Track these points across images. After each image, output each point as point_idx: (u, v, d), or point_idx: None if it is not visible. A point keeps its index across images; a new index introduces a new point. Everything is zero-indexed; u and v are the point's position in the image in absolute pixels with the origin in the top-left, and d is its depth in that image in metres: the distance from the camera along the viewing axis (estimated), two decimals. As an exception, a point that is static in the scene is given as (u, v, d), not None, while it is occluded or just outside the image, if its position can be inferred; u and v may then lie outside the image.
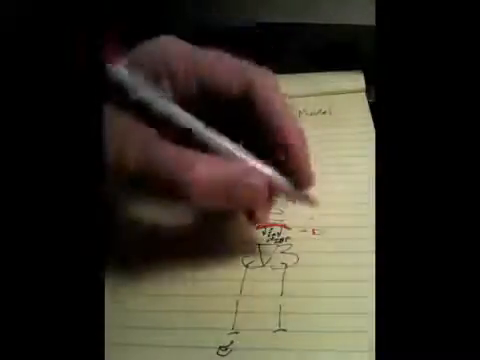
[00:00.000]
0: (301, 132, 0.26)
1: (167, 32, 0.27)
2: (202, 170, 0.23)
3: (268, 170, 0.25)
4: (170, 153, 0.24)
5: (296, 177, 0.26)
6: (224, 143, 0.25)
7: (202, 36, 0.26)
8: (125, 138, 0.24)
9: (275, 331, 0.23)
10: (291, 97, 0.42)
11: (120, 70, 0.25)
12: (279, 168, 0.25)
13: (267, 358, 0.23)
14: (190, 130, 0.25)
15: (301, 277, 0.26)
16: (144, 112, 0.24)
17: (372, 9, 0.21)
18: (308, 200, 0.26)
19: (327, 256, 0.27)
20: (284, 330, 0.23)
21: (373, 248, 0.25)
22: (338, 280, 0.25)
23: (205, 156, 0.24)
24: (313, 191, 0.26)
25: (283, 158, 0.25)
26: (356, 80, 0.43)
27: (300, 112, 0.41)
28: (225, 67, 0.26)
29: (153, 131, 0.24)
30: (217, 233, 0.29)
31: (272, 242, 0.28)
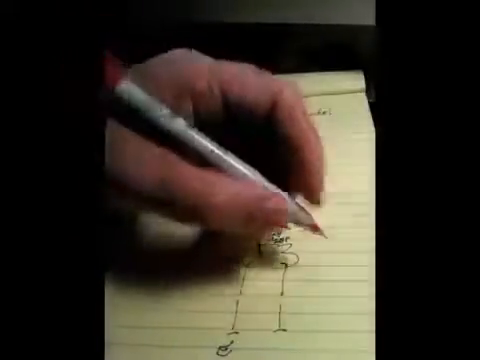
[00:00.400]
0: (321, 151, 0.26)
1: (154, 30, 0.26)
2: (222, 195, 0.23)
3: (284, 195, 0.25)
4: (190, 175, 0.23)
5: (307, 195, 0.26)
6: (241, 167, 0.24)
7: (199, 34, 0.26)
8: (142, 157, 0.23)
9: (275, 331, 0.23)
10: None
11: (125, 89, 0.24)
12: (291, 186, 0.25)
13: (267, 358, 0.23)
14: (209, 152, 0.24)
15: (301, 277, 0.26)
16: (155, 133, 0.24)
17: (372, 9, 0.21)
18: (315, 229, 0.26)
19: (327, 256, 0.27)
20: (284, 330, 0.23)
21: (373, 248, 0.25)
22: (338, 280, 0.25)
23: (224, 179, 0.24)
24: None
25: (298, 176, 0.25)
26: (356, 80, 0.43)
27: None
28: (252, 82, 0.25)
29: (170, 152, 0.24)
30: (217, 233, 0.29)
31: (272, 242, 0.28)
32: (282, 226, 0.25)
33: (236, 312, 0.25)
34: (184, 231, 0.29)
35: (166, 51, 0.26)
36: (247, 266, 0.27)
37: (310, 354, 0.22)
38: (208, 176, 0.23)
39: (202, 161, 0.24)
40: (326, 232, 0.28)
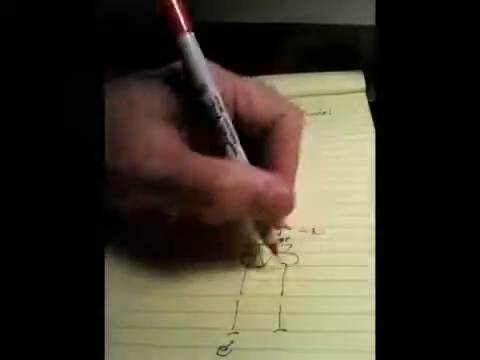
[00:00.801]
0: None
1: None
2: (230, 178, 0.24)
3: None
4: (198, 160, 0.24)
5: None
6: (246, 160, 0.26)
7: (199, 33, 0.26)
8: (150, 147, 0.24)
9: (275, 331, 0.23)
10: (291, 97, 0.42)
11: (188, 39, 0.25)
12: None
13: (267, 358, 0.23)
14: (230, 134, 0.25)
15: (301, 277, 0.26)
16: (192, 94, 0.25)
17: (372, 9, 0.21)
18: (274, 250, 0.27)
19: (327, 256, 0.27)
20: (284, 330, 0.23)
21: (373, 248, 0.25)
22: (338, 280, 0.25)
23: (232, 164, 0.25)
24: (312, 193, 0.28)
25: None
26: (356, 80, 0.43)
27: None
28: (259, 101, 0.27)
29: (179, 141, 0.25)
30: (217, 233, 0.29)
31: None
32: (287, 213, 0.25)
33: (236, 312, 0.25)
34: (185, 231, 0.29)
35: (166, 50, 0.27)
36: (247, 266, 0.27)
37: (310, 354, 0.22)
38: (216, 161, 0.24)
39: (218, 142, 0.25)
40: (326, 232, 0.28)
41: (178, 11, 0.24)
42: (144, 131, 0.25)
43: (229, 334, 0.24)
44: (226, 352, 0.23)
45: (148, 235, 0.29)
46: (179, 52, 0.25)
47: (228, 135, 0.25)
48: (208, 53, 0.27)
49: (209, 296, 0.26)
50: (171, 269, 0.27)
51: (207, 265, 0.27)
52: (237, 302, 0.25)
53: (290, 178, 0.27)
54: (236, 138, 0.25)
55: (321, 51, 0.48)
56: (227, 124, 0.25)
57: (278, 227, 0.28)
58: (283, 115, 0.27)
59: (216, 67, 0.27)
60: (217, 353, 0.23)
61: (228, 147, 0.25)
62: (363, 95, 0.42)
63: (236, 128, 0.26)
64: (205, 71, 0.25)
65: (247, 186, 0.24)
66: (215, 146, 0.25)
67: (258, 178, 0.24)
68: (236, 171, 0.24)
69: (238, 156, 0.25)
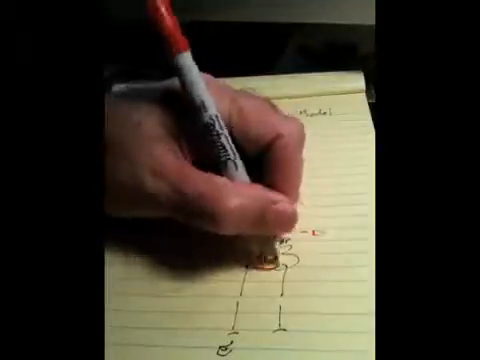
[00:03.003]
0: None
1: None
2: (233, 200, 0.24)
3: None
4: (202, 180, 0.25)
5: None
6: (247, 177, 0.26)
7: (200, 33, 0.26)
8: (158, 168, 0.25)
9: (275, 331, 0.23)
10: (291, 97, 0.42)
11: (186, 57, 0.25)
12: None
13: (267, 358, 0.23)
14: (230, 153, 0.25)
15: (301, 278, 0.26)
16: (193, 114, 0.25)
17: (372, 9, 0.21)
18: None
19: (327, 257, 0.27)
20: (284, 330, 0.23)
21: (373, 248, 0.25)
22: (338, 280, 0.25)
23: (235, 184, 0.25)
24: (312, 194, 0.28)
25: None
26: (356, 80, 0.43)
27: (300, 113, 0.41)
28: (254, 121, 0.26)
29: (183, 159, 0.26)
30: (218, 234, 0.29)
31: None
32: (289, 229, 0.26)
33: (236, 312, 0.25)
34: (185, 233, 0.29)
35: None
36: (247, 267, 0.27)
37: (310, 354, 0.22)
38: (220, 181, 0.25)
39: (220, 158, 0.25)
40: (326, 233, 0.28)
41: (172, 31, 0.24)
42: (149, 149, 0.25)
43: (229, 334, 0.24)
44: (226, 352, 0.23)
45: (149, 237, 0.29)
46: (176, 71, 0.25)
47: (229, 151, 0.25)
48: (208, 52, 0.27)
49: (209, 296, 0.26)
50: (171, 270, 0.27)
51: (208, 266, 0.27)
52: (237, 303, 0.25)
53: (292, 194, 0.27)
54: (236, 154, 0.25)
55: (321, 51, 0.48)
56: (227, 140, 0.25)
57: (279, 239, 0.28)
58: (282, 135, 0.26)
59: (211, 80, 0.27)
60: (217, 353, 0.23)
61: (229, 163, 0.25)
62: (363, 95, 0.42)
63: (234, 143, 0.26)
64: (203, 90, 0.25)
65: (250, 206, 0.24)
66: (216, 162, 0.25)
67: (261, 197, 0.25)
68: (239, 191, 0.25)
69: (239, 170, 0.25)
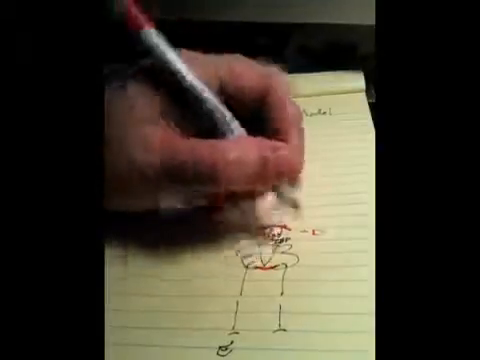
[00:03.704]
0: (302, 133, 0.28)
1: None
2: (231, 152, 0.24)
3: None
4: (195, 143, 0.25)
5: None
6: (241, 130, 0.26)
7: (199, 32, 0.26)
8: (147, 141, 0.25)
9: (275, 331, 0.23)
10: (291, 97, 0.42)
11: (151, 33, 0.25)
12: None
13: (267, 358, 0.23)
14: (223, 116, 0.25)
15: (301, 277, 0.26)
16: (173, 86, 0.25)
17: (372, 9, 0.21)
18: (293, 203, 0.27)
19: (327, 256, 0.27)
20: (284, 330, 0.23)
21: (373, 248, 0.25)
22: (338, 280, 0.25)
23: (231, 140, 0.25)
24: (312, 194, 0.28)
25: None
26: (356, 80, 0.43)
27: (300, 112, 0.41)
28: (246, 69, 0.27)
29: (173, 133, 0.25)
30: (218, 234, 0.29)
31: (272, 242, 0.28)
32: (296, 174, 0.26)
33: (236, 312, 0.25)
34: (185, 232, 0.29)
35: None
36: (247, 267, 0.27)
37: (310, 354, 0.22)
38: (213, 141, 0.25)
39: (211, 125, 0.25)
40: (326, 232, 0.28)
41: (136, 9, 0.25)
42: (140, 130, 0.25)
43: (229, 334, 0.24)
44: (226, 352, 0.23)
45: (148, 233, 0.29)
46: (145, 48, 0.25)
47: (218, 114, 0.25)
48: (207, 52, 0.27)
49: (209, 296, 0.26)
50: (171, 269, 0.27)
51: (208, 265, 0.27)
52: (237, 302, 0.25)
53: (292, 140, 0.27)
54: (229, 116, 0.25)
55: (321, 51, 0.48)
56: (215, 104, 0.25)
57: (293, 185, 0.28)
58: (269, 85, 0.27)
59: (198, 54, 0.27)
60: (217, 353, 0.23)
61: (221, 127, 0.25)
62: (363, 95, 0.42)
63: (229, 108, 0.26)
64: (175, 59, 0.25)
65: (250, 156, 0.24)
66: (209, 131, 0.25)
67: (259, 146, 0.25)
68: (237, 143, 0.25)
69: (236, 132, 0.25)
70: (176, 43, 0.27)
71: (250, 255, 0.28)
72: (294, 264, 0.27)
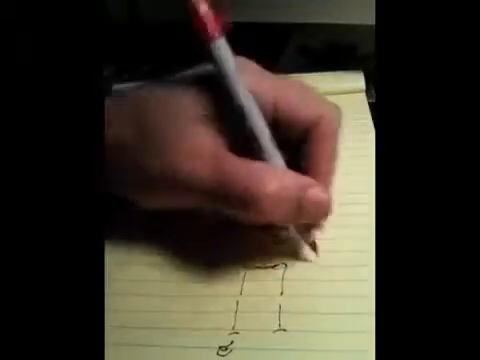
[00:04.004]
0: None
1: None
2: (270, 185, 0.23)
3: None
4: (241, 165, 0.24)
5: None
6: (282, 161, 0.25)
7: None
8: (195, 152, 0.24)
9: (275, 331, 0.23)
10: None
11: (220, 45, 0.24)
12: None
13: (267, 358, 0.23)
14: (266, 138, 0.25)
15: (301, 277, 0.26)
16: (228, 101, 0.24)
17: (372, 9, 0.21)
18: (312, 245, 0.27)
19: (327, 256, 0.27)
20: (284, 330, 0.23)
21: (373, 248, 0.25)
22: (338, 280, 0.25)
23: (275, 169, 0.25)
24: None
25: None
26: (356, 80, 0.43)
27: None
28: (302, 97, 0.27)
29: (222, 145, 0.25)
30: (218, 234, 0.29)
31: (272, 242, 0.28)
32: (326, 217, 0.26)
33: (236, 312, 0.25)
34: (185, 232, 0.29)
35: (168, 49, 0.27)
36: (247, 267, 0.27)
37: (310, 354, 0.22)
38: (258, 166, 0.24)
39: (255, 145, 0.25)
40: (326, 232, 0.28)
41: (209, 17, 0.24)
42: (189, 135, 0.25)
43: (229, 334, 0.24)
44: (226, 352, 0.23)
45: (149, 237, 0.29)
46: (210, 57, 0.24)
47: (263, 140, 0.25)
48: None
49: (209, 296, 0.26)
50: (171, 269, 0.27)
51: (208, 265, 0.27)
52: (237, 302, 0.25)
53: (328, 181, 0.27)
54: (272, 142, 0.25)
55: (321, 51, 0.48)
56: (262, 128, 0.25)
57: (317, 227, 0.27)
58: (322, 116, 0.26)
59: (254, 66, 0.27)
60: (217, 353, 0.23)
61: (264, 151, 0.25)
62: (363, 95, 0.42)
63: (275, 130, 0.25)
64: (237, 77, 0.24)
65: (287, 191, 0.24)
66: (251, 150, 0.25)
67: (298, 184, 0.24)
68: (278, 177, 0.24)
69: (275, 160, 0.25)
70: (183, 44, 0.26)
71: (250, 255, 0.28)
72: (294, 263, 0.27)
